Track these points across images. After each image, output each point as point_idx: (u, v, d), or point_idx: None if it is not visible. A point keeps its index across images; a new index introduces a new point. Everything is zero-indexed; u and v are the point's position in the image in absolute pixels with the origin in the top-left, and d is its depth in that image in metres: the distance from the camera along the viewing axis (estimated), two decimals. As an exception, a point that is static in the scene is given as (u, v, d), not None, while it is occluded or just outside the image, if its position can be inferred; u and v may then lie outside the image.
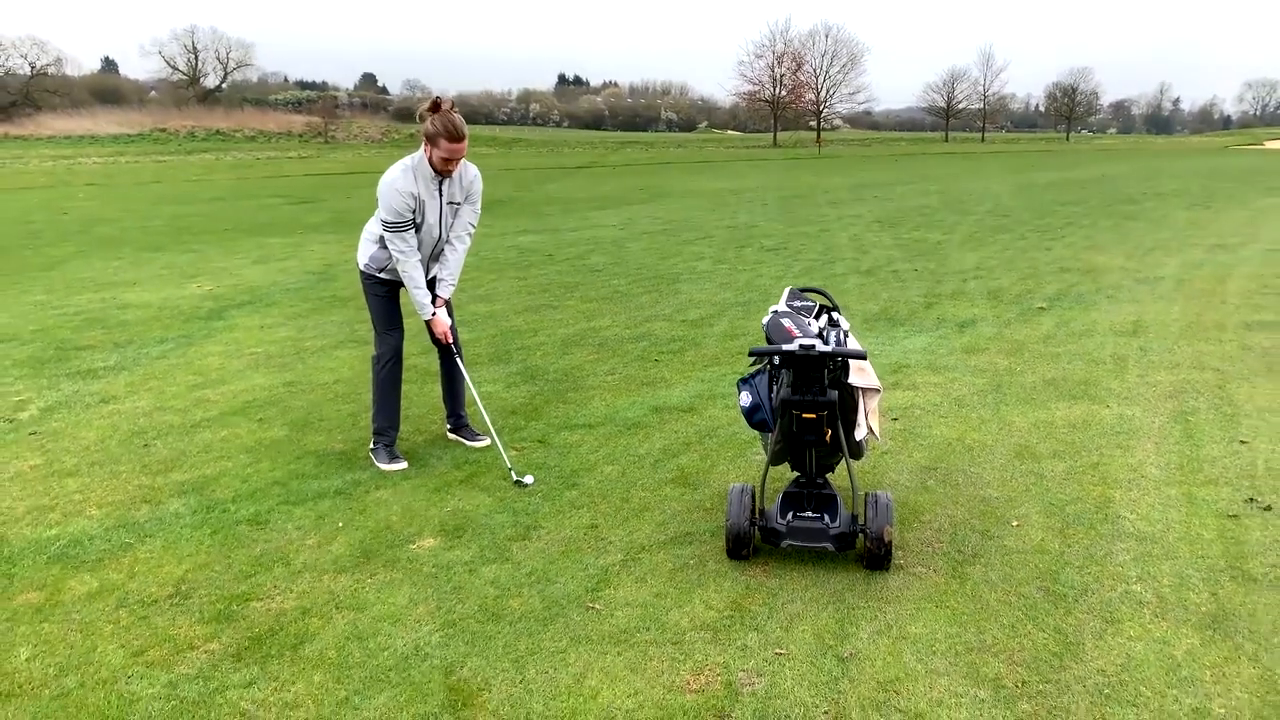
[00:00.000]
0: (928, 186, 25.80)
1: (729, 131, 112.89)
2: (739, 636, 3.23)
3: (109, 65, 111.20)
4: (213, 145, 58.27)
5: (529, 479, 4.63)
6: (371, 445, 4.96)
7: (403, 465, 4.83)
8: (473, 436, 5.22)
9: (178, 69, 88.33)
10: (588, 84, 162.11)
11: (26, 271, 11.57)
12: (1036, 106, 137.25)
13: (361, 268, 4.86)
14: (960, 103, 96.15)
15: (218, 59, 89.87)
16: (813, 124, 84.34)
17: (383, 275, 4.82)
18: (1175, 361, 6.66)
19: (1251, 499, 4.28)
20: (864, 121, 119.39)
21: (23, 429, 5.51)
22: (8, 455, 5.07)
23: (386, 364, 4.89)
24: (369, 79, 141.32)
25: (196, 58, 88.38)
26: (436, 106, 4.42)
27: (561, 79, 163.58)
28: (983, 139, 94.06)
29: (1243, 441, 5.03)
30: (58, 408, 5.91)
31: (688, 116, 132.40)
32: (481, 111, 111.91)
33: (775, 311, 3.86)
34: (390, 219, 4.52)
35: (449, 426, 5.30)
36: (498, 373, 6.65)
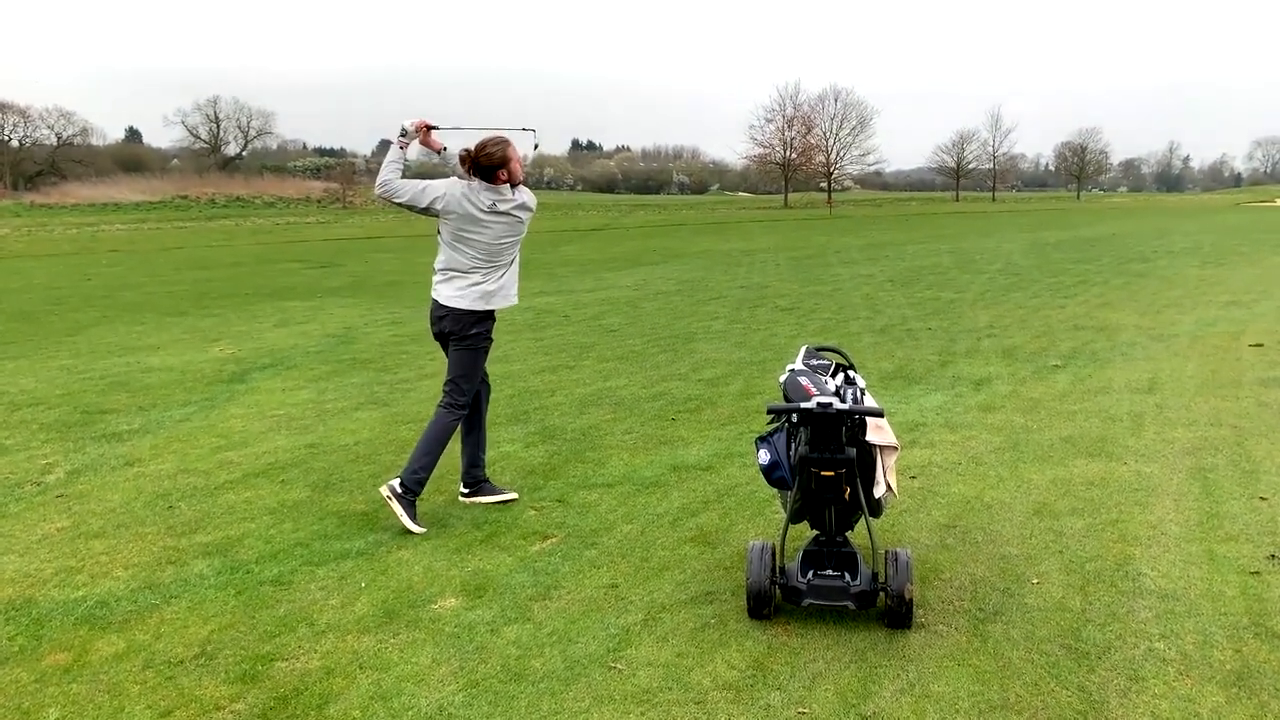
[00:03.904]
0: (939, 246, 25.98)
1: (740, 194, 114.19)
2: (762, 696, 3.23)
3: (132, 135, 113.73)
4: (233, 212, 59.45)
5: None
6: (412, 495, 4.86)
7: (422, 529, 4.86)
8: (494, 491, 5.25)
9: (200, 138, 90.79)
10: (600, 148, 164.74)
11: (52, 336, 11.78)
12: (1047, 166, 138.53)
13: (492, 307, 4.95)
14: (970, 163, 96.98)
15: (239, 128, 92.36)
16: (823, 185, 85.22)
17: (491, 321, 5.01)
18: (1192, 418, 6.66)
19: (1273, 555, 4.27)
20: (874, 182, 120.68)
21: (50, 491, 5.59)
22: (35, 518, 5.14)
23: (464, 412, 5.05)
24: (386, 145, 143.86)
25: (218, 127, 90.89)
26: (468, 156, 4.75)
27: (575, 144, 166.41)
28: (993, 198, 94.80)
29: (1262, 498, 5.02)
30: (84, 470, 6.00)
31: (699, 179, 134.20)
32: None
33: (792, 370, 3.92)
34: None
35: (465, 490, 5.28)
36: (516, 432, 6.71)
